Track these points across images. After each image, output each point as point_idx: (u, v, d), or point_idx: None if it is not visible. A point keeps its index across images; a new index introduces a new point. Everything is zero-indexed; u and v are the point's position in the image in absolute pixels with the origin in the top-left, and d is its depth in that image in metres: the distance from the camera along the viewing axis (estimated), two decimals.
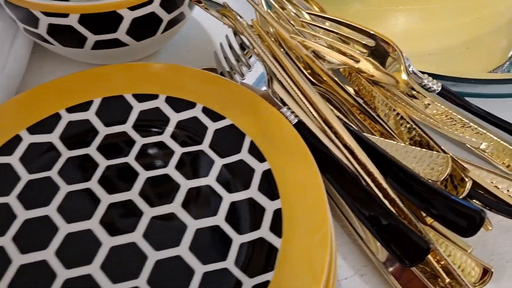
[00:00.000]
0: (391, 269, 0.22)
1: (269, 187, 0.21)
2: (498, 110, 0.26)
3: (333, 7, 0.31)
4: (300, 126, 0.23)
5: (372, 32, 0.25)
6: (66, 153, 0.22)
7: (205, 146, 0.23)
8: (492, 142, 0.26)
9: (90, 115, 0.24)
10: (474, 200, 0.23)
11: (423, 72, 0.26)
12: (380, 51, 0.25)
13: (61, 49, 0.28)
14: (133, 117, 0.24)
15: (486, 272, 0.21)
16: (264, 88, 0.26)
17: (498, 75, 0.31)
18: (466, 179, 0.21)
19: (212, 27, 0.35)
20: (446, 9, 0.37)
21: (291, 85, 0.24)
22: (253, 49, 0.25)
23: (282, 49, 0.25)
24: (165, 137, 0.23)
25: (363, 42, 0.25)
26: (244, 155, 0.22)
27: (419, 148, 0.22)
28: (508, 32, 0.35)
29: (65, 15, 0.25)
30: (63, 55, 0.30)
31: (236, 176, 0.22)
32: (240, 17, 0.26)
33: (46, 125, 0.23)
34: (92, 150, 0.22)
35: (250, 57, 0.26)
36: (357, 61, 0.26)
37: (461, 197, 0.22)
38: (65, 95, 0.24)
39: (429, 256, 0.20)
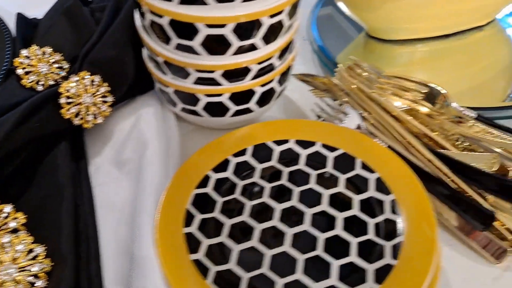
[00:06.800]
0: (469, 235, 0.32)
1: (383, 188, 0.32)
2: None
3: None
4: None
5: (427, 83, 0.37)
6: (240, 183, 0.33)
7: (329, 168, 0.34)
8: None
9: (248, 157, 0.35)
10: None
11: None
12: (431, 95, 0.37)
13: (206, 119, 0.40)
14: (275, 155, 0.35)
15: None
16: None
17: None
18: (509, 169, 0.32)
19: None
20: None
21: (382, 122, 0.36)
22: (348, 102, 0.37)
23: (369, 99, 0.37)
24: (302, 166, 0.34)
25: (420, 90, 0.37)
26: (359, 170, 0.33)
27: (474, 152, 0.33)
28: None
29: (219, 95, 0.37)
30: (195, 123, 0.42)
31: (355, 185, 0.33)
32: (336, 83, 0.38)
33: (223, 166, 0.35)
34: (257, 179, 0.34)
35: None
36: (416, 103, 0.38)
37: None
38: (229, 146, 0.36)
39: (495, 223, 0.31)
